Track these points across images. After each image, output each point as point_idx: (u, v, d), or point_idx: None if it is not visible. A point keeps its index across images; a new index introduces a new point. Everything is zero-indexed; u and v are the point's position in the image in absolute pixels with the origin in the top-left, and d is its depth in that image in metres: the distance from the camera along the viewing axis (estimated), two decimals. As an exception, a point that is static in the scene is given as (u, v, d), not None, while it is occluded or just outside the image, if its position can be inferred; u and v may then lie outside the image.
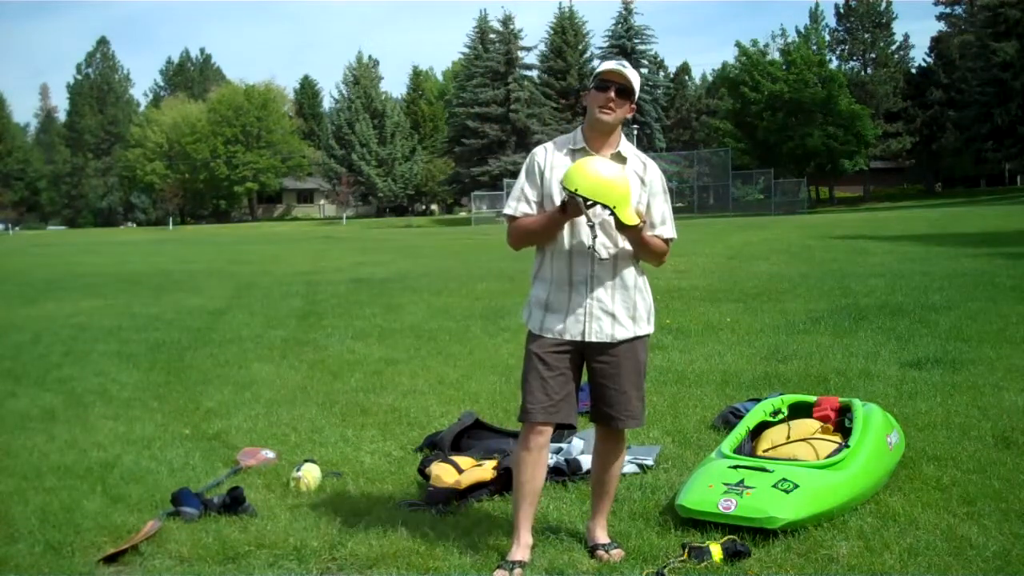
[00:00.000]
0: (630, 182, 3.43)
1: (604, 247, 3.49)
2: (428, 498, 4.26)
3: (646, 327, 3.62)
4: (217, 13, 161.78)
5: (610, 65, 3.50)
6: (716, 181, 57.61)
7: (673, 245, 3.71)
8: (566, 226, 3.48)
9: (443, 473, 4.38)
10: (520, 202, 3.56)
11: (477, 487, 4.34)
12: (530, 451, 3.55)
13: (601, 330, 3.51)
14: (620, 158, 3.55)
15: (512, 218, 3.58)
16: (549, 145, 3.62)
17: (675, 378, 6.88)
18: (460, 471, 4.42)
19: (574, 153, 3.54)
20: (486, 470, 4.36)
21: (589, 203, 3.31)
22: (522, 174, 3.63)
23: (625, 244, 3.53)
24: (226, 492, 4.31)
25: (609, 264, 3.52)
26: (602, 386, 3.58)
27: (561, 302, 3.53)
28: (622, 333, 3.54)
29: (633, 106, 3.56)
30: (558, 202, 3.43)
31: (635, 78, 3.52)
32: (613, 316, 3.52)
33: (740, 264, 16.54)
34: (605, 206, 3.31)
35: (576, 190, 3.28)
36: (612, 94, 3.46)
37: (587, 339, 3.51)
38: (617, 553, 3.57)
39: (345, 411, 6.26)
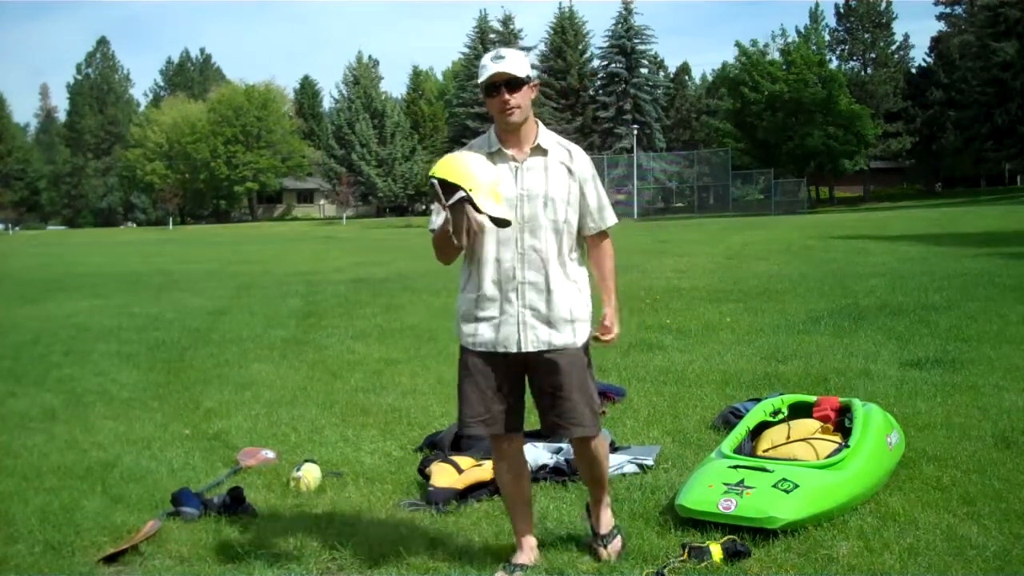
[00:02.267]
0: (499, 175, 3.23)
1: (462, 230, 3.17)
2: (428, 498, 4.26)
3: (587, 330, 3.41)
4: (217, 13, 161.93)
5: (489, 66, 3.28)
6: (716, 181, 57.62)
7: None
8: (493, 233, 3.29)
9: (443, 473, 4.38)
10: (438, 215, 3.32)
11: (477, 487, 4.34)
12: (502, 460, 3.51)
13: (537, 339, 3.31)
14: (540, 151, 3.38)
15: (432, 231, 3.38)
16: (472, 148, 3.42)
17: (675, 378, 6.88)
18: (460, 471, 4.42)
19: (491, 156, 3.35)
20: (486, 470, 4.36)
21: (455, 197, 3.10)
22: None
23: (552, 242, 3.33)
24: (226, 492, 4.31)
25: (539, 266, 3.32)
26: (546, 394, 3.38)
27: (492, 311, 3.33)
28: (560, 339, 3.34)
29: (533, 84, 3.36)
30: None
31: (518, 64, 3.28)
32: (549, 322, 3.33)
33: (740, 264, 16.54)
34: (465, 195, 3.09)
35: (432, 174, 3.14)
36: (505, 94, 3.27)
37: (523, 349, 3.32)
38: (612, 548, 3.54)
39: (345, 411, 6.26)
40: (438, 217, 3.31)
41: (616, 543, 3.58)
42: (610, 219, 3.50)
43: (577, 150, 3.46)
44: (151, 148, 76.95)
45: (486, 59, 3.34)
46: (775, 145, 53.68)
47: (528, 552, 3.52)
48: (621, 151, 60.11)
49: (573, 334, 3.36)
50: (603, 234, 3.51)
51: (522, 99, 3.31)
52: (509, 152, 3.37)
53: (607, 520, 3.63)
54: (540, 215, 3.33)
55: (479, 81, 3.36)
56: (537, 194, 3.34)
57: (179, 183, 76.16)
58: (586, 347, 3.43)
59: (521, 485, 3.53)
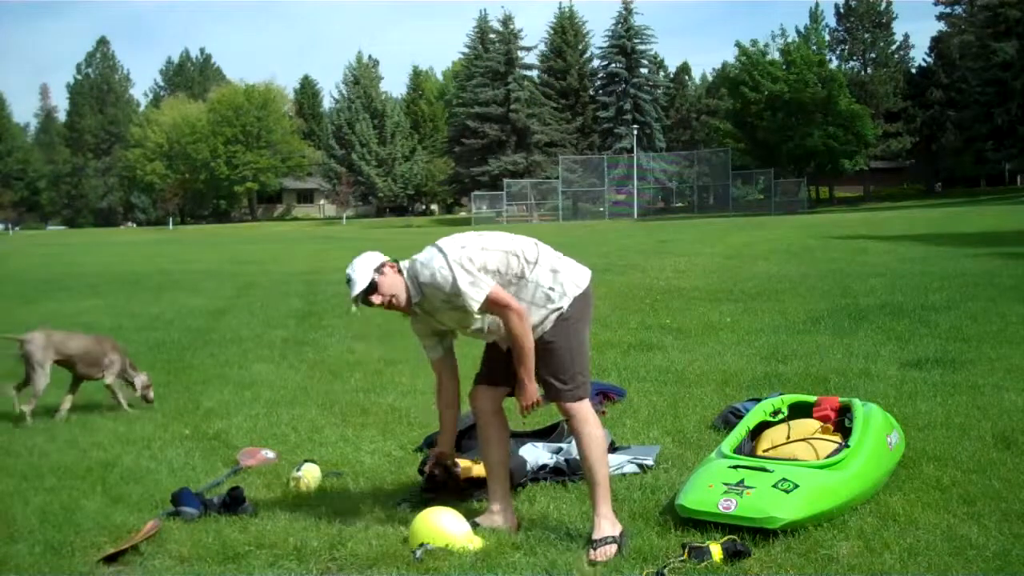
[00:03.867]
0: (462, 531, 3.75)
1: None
2: (427, 482, 4.32)
3: (553, 318, 3.74)
4: (217, 13, 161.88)
5: (349, 297, 3.76)
6: (716, 181, 57.63)
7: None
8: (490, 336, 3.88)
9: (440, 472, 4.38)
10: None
11: (475, 482, 4.33)
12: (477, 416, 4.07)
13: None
14: (417, 304, 3.81)
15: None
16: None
17: (675, 378, 6.88)
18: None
19: (415, 315, 3.90)
20: (483, 468, 4.35)
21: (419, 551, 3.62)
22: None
23: (494, 327, 3.81)
24: (226, 492, 4.31)
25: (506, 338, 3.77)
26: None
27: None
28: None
29: (384, 270, 3.75)
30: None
31: (362, 278, 3.71)
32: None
33: (740, 264, 16.54)
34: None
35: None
36: (374, 299, 3.74)
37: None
38: (601, 553, 3.52)
39: (345, 411, 6.26)
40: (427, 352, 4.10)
41: (609, 549, 3.55)
42: (472, 302, 3.65)
43: (420, 274, 3.74)
44: (151, 148, 76.91)
45: (347, 286, 3.79)
46: (775, 145, 53.67)
47: (487, 515, 3.92)
48: (621, 151, 60.10)
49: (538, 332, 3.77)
50: (492, 306, 3.67)
51: (384, 298, 3.75)
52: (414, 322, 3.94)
53: (599, 526, 3.65)
54: (459, 336, 3.94)
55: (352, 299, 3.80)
56: (441, 331, 3.92)
57: (179, 183, 76.13)
58: (557, 331, 3.75)
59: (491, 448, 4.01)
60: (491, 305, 3.65)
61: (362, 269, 3.73)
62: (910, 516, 3.82)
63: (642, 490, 4.30)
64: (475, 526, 3.82)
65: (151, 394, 6.60)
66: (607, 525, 3.64)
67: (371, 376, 7.48)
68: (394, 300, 3.75)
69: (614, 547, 3.55)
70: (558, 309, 3.74)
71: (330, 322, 10.80)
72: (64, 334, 6.56)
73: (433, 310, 3.81)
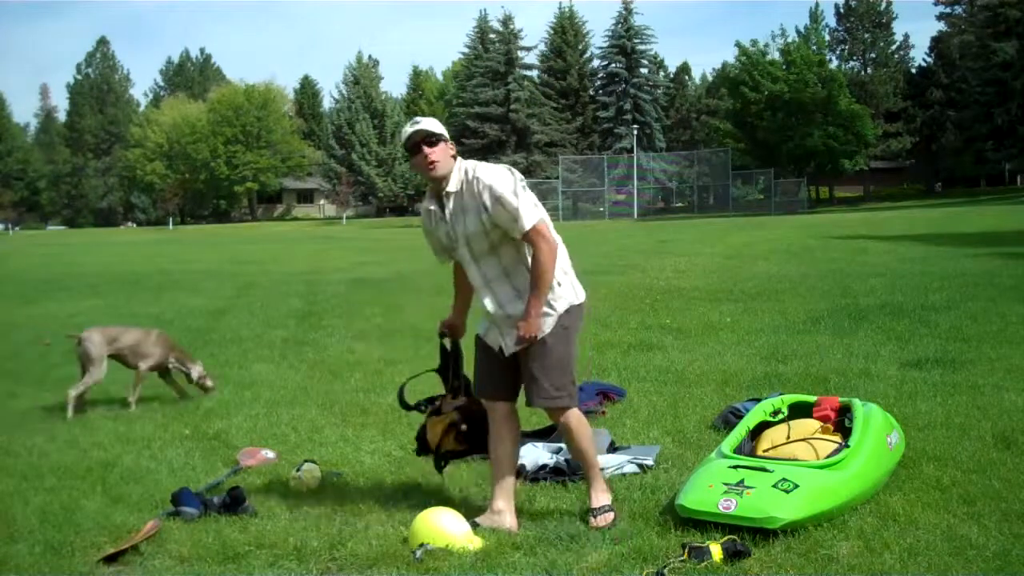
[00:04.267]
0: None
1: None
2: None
3: (548, 325, 3.82)
4: (217, 13, 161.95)
5: (408, 129, 3.83)
6: (716, 181, 57.64)
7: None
8: (469, 265, 3.93)
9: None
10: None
11: (454, 454, 4.34)
12: (490, 427, 4.04)
13: (509, 346, 3.89)
14: (451, 196, 3.83)
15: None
16: (424, 201, 4.02)
17: (675, 378, 6.88)
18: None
19: (430, 214, 3.95)
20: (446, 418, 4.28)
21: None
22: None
23: (493, 264, 3.86)
24: (226, 492, 4.31)
25: (499, 274, 3.86)
26: (521, 371, 3.93)
27: (485, 313, 3.96)
28: (512, 341, 3.88)
29: (449, 143, 3.84)
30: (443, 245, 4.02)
31: (432, 124, 3.83)
32: (510, 328, 3.86)
33: (740, 264, 16.54)
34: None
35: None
36: (426, 148, 3.78)
37: (506, 353, 3.92)
38: (601, 519, 3.84)
39: (345, 411, 6.26)
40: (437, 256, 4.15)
41: (608, 516, 3.88)
42: (524, 224, 3.72)
43: (479, 180, 3.77)
44: (151, 148, 76.92)
45: (406, 125, 3.87)
46: (775, 145, 53.67)
47: (488, 515, 3.94)
48: (621, 151, 60.08)
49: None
50: (535, 234, 3.74)
51: (442, 155, 3.80)
52: (439, 206, 3.89)
53: (596, 497, 3.97)
54: (471, 249, 3.86)
55: (402, 144, 3.88)
56: (461, 238, 3.86)
57: (179, 183, 76.13)
58: (555, 335, 3.84)
59: (499, 450, 4.05)
60: (534, 233, 3.72)
61: (436, 124, 3.85)
62: (910, 516, 3.82)
63: (642, 490, 4.29)
64: (475, 526, 3.83)
65: (208, 382, 6.95)
66: (603, 496, 3.97)
67: (371, 376, 7.48)
68: (437, 165, 3.79)
69: (612, 514, 3.89)
70: (553, 309, 3.84)
71: (330, 322, 10.79)
72: (118, 329, 6.95)
73: (462, 209, 3.81)
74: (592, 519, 3.87)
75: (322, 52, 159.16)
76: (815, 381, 6.49)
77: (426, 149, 3.77)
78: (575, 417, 3.96)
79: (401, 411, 6.12)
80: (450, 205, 3.83)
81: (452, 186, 3.80)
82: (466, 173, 3.81)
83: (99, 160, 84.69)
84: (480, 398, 4.12)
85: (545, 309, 3.81)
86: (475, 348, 4.10)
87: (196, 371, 6.90)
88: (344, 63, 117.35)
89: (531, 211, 3.71)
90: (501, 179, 3.75)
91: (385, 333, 9.83)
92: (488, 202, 3.72)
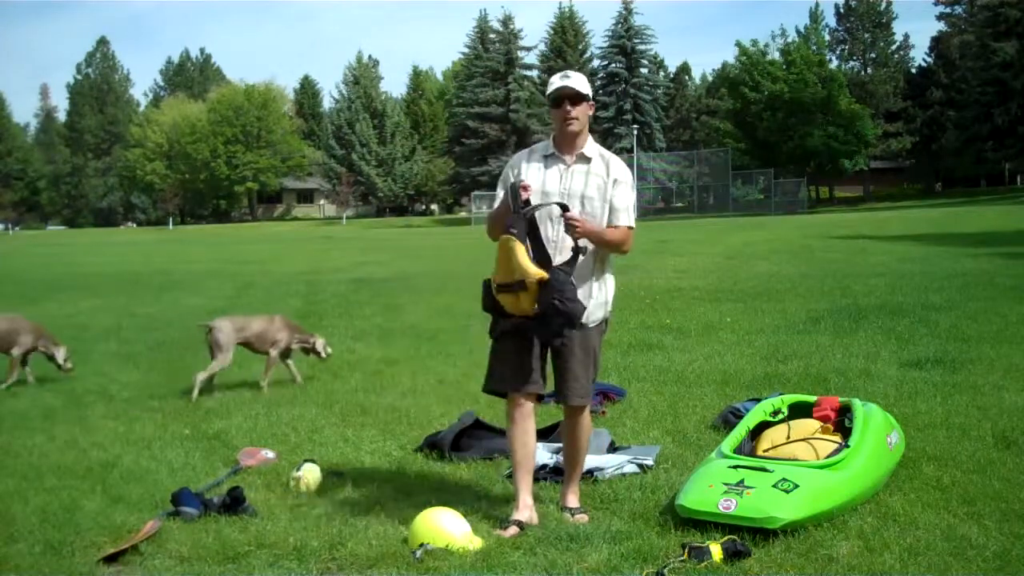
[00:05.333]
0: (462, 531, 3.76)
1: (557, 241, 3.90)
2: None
3: (598, 315, 3.99)
4: (217, 13, 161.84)
5: (557, 82, 3.95)
6: (716, 181, 57.66)
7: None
8: (544, 222, 3.91)
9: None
10: (491, 206, 4.16)
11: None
12: (514, 423, 4.02)
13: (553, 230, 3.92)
14: (584, 159, 3.99)
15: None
16: (524, 154, 4.11)
17: (675, 378, 6.88)
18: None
19: (546, 159, 4.02)
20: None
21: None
22: (500, 183, 4.10)
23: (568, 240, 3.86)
24: (226, 492, 4.31)
25: (566, 255, 3.85)
26: (556, 366, 4.00)
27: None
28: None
29: (591, 103, 4.00)
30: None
31: (582, 83, 3.95)
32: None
33: (740, 264, 16.54)
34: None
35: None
36: (568, 106, 3.92)
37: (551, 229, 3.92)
38: (581, 518, 3.96)
39: (345, 411, 6.26)
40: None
41: (583, 516, 4.00)
42: (624, 220, 3.99)
43: (615, 161, 4.06)
44: (151, 148, 76.91)
45: (555, 77, 3.99)
46: (775, 145, 53.69)
47: (524, 510, 3.95)
48: (621, 151, 59.91)
49: (587, 318, 3.92)
50: (629, 232, 4.02)
51: (582, 113, 3.95)
52: (563, 157, 4.00)
53: (574, 498, 4.13)
54: (576, 208, 3.89)
55: (548, 91, 3.98)
56: (576, 193, 3.93)
57: (179, 183, 76.11)
58: (599, 331, 4.04)
59: (527, 447, 4.05)
60: (629, 231, 4.00)
61: (585, 84, 3.97)
62: (910, 516, 3.82)
63: (642, 490, 4.30)
64: (520, 526, 3.85)
65: (329, 350, 7.67)
66: (578, 497, 4.14)
67: (371, 376, 7.48)
68: (575, 123, 3.93)
69: (586, 516, 4.01)
70: (607, 304, 4.05)
71: (330, 322, 10.79)
72: (244, 319, 7.56)
73: (588, 172, 3.96)
74: (573, 516, 4.00)
75: (322, 52, 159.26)
76: (815, 381, 6.49)
77: (568, 106, 3.90)
78: (588, 415, 4.14)
79: (401, 411, 6.15)
80: (575, 164, 3.98)
81: (589, 151, 4.00)
82: (599, 150, 4.05)
83: (99, 160, 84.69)
84: (508, 392, 4.00)
85: (603, 300, 4.02)
86: (497, 341, 4.05)
87: (319, 344, 7.55)
88: (344, 63, 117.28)
89: (631, 210, 4.02)
90: (630, 175, 4.09)
91: (385, 333, 9.84)
92: (618, 180, 3.97)
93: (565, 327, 3.78)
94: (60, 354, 7.67)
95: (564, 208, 3.84)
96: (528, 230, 3.82)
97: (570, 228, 3.79)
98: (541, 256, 3.82)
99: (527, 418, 4.01)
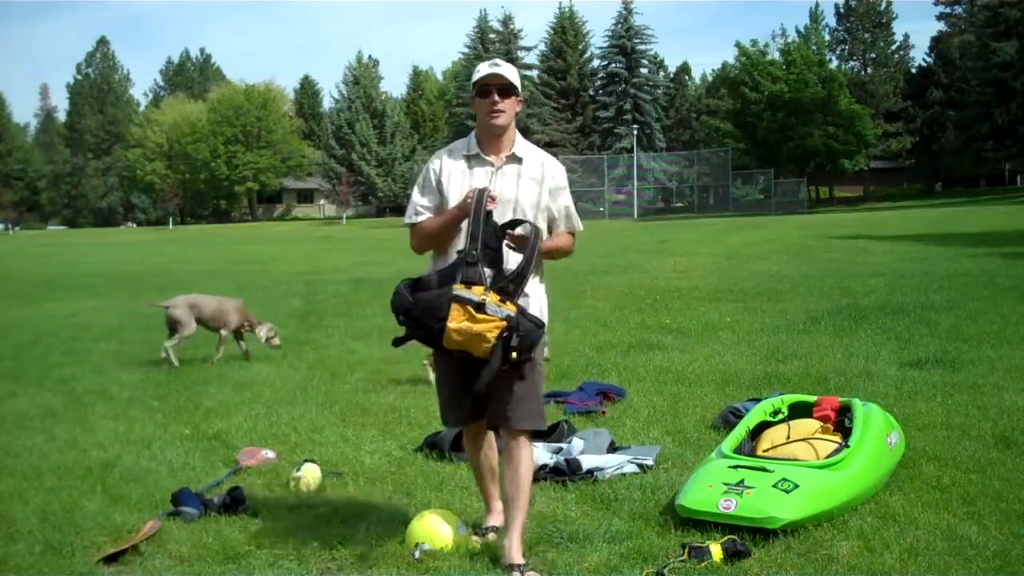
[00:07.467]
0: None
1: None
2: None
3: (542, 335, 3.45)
4: (217, 13, 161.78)
5: (485, 70, 3.52)
6: (716, 181, 57.65)
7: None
8: (462, 233, 3.42)
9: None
10: (418, 213, 3.60)
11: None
12: (469, 443, 3.84)
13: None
14: (515, 159, 3.57)
15: (412, 225, 3.63)
16: (443, 153, 3.64)
17: (675, 378, 6.88)
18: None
19: (468, 159, 3.57)
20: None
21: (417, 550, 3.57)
22: (417, 185, 3.66)
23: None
24: (226, 492, 4.31)
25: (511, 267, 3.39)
26: (494, 386, 3.38)
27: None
28: None
29: (519, 99, 3.58)
30: (453, 204, 3.49)
31: (512, 73, 3.53)
32: None
33: (740, 264, 16.55)
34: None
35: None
36: (496, 97, 3.49)
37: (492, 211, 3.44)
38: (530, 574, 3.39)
39: (345, 411, 6.26)
40: (419, 215, 3.61)
41: (533, 575, 3.40)
42: (577, 225, 3.69)
43: (551, 162, 3.65)
44: (151, 148, 76.94)
45: (483, 64, 3.58)
46: (775, 145, 53.66)
47: (496, 515, 3.81)
48: (621, 151, 60.11)
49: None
50: (574, 236, 3.72)
51: (509, 108, 3.53)
52: (488, 157, 3.57)
53: (518, 551, 3.46)
54: (508, 218, 3.47)
55: (474, 78, 3.54)
56: (508, 199, 3.50)
57: (179, 183, 76.15)
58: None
59: (488, 459, 3.85)
60: (567, 238, 3.66)
61: (515, 75, 3.55)
62: (910, 516, 3.82)
63: (642, 490, 4.30)
64: (485, 532, 3.78)
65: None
66: (521, 551, 3.49)
67: (371, 376, 7.48)
68: (501, 116, 3.48)
69: (535, 574, 3.42)
70: (543, 317, 3.52)
71: (330, 322, 10.79)
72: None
73: (520, 175, 3.52)
74: (521, 572, 3.39)
75: (322, 52, 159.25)
76: (815, 381, 6.49)
77: (495, 96, 3.48)
78: (531, 447, 3.61)
79: (401, 411, 6.15)
80: (506, 165, 3.55)
81: (519, 150, 3.58)
82: (530, 148, 3.65)
83: (99, 160, 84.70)
84: (455, 424, 3.87)
85: (543, 308, 3.57)
86: (437, 369, 3.77)
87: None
88: (344, 63, 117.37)
89: (576, 216, 3.69)
90: (565, 175, 3.68)
91: (385, 333, 9.81)
92: (556, 186, 3.58)
93: (522, 356, 3.29)
94: (263, 332, 8.38)
95: (515, 225, 3.41)
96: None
97: (522, 247, 3.37)
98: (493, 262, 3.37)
99: (480, 435, 3.76)
